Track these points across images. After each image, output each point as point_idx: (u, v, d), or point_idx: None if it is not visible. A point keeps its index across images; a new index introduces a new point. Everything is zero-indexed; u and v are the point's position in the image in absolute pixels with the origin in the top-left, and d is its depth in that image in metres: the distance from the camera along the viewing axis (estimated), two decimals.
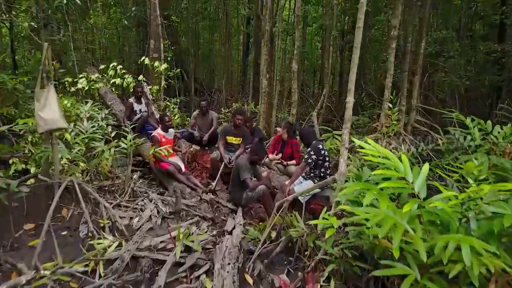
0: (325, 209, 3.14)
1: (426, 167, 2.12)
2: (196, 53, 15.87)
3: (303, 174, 4.40)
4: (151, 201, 4.14)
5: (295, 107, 6.26)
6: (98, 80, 7.83)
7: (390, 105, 5.31)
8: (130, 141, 4.71)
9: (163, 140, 5.47)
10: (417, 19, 6.78)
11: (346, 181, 3.31)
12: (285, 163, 5.33)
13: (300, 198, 4.19)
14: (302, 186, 4.22)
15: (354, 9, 13.09)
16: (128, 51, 13.97)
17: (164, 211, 3.94)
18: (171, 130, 5.64)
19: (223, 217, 4.10)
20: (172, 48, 9.43)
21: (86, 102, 7.04)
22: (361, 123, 7.16)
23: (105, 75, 7.87)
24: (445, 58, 9.98)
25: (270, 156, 5.51)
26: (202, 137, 5.86)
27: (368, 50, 13.74)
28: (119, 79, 7.48)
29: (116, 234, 3.35)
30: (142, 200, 4.20)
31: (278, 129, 5.45)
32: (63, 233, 3.60)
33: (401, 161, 2.18)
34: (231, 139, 5.54)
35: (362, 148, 2.28)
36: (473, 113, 5.27)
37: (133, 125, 6.37)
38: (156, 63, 7.74)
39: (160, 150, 4.48)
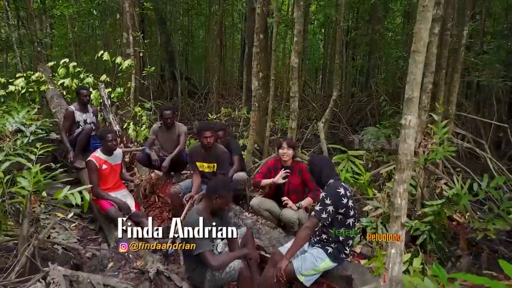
0: None
1: None
2: (189, 52, 14.25)
3: None
4: (48, 285, 2.43)
5: (295, 119, 4.24)
6: (45, 80, 6.19)
7: (436, 116, 3.57)
8: (38, 173, 3.04)
9: (104, 167, 3.77)
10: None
11: None
12: (294, 206, 3.35)
13: (302, 278, 2.50)
14: (306, 259, 2.50)
15: (361, 1, 11.57)
16: (106, 46, 12.33)
17: None
18: (118, 152, 3.95)
19: None
20: (145, 42, 7.75)
21: (33, 109, 5.65)
22: (383, 135, 5.42)
23: (56, 74, 6.24)
24: (477, 54, 8.25)
25: (263, 181, 3.53)
26: (163, 160, 4.13)
27: (378, 48, 12.16)
28: (68, 79, 5.79)
29: None
30: (37, 282, 2.49)
31: (284, 150, 3.47)
32: None
33: None
34: (202, 166, 3.78)
35: None
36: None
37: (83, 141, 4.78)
38: (119, 59, 6.04)
39: (76, 193, 2.74)
